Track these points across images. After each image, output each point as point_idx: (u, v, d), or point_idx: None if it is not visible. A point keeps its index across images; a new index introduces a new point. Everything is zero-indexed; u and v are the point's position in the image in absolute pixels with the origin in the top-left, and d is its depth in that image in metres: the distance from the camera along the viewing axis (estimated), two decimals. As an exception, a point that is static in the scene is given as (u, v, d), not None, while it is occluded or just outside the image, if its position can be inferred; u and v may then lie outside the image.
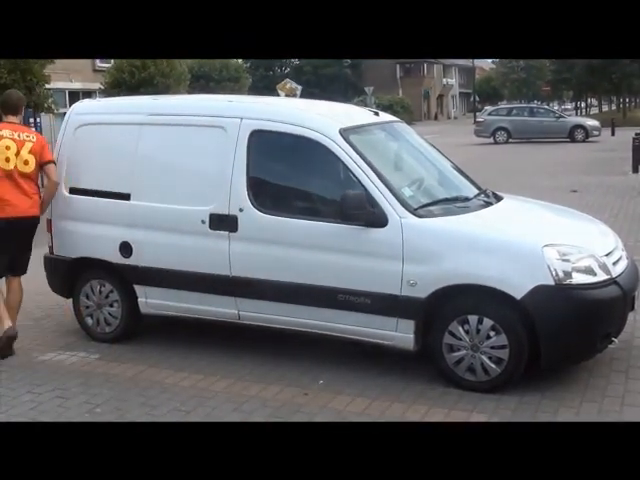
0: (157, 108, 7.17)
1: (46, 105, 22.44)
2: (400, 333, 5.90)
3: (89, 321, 7.28)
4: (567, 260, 5.63)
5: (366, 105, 34.61)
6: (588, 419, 5.26)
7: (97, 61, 32.72)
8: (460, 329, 5.75)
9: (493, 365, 5.70)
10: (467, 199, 6.56)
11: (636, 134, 22.05)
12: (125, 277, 6.99)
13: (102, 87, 29.53)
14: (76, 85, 31.86)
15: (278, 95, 30.21)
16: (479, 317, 5.68)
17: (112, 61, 30.07)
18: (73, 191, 7.19)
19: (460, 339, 5.76)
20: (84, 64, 31.59)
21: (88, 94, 29.45)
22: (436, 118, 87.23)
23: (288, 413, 5.53)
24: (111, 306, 7.14)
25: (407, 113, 56.63)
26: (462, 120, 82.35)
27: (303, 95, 32.16)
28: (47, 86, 22.79)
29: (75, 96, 27.87)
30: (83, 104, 7.65)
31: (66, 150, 7.27)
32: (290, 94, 31.38)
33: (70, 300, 7.50)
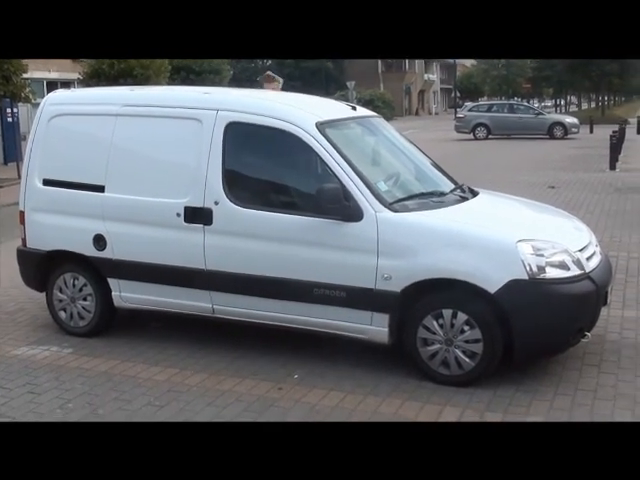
0: (132, 99, 7.09)
1: (23, 95, 22.32)
2: (375, 327, 5.90)
3: (62, 315, 7.21)
4: (541, 255, 5.65)
5: (347, 99, 34.57)
6: (561, 412, 5.31)
7: (76, 52, 32.47)
8: (434, 323, 5.75)
9: (467, 359, 5.71)
10: (443, 194, 6.56)
11: (613, 132, 22.22)
12: (99, 270, 6.93)
13: (80, 77, 29.28)
14: (54, 75, 31.63)
15: (259, 87, 30.13)
16: (453, 311, 5.69)
17: (91, 52, 29.84)
18: (47, 183, 7.12)
19: (434, 333, 5.77)
20: (63, 55, 31.35)
21: (66, 84, 29.22)
22: (417, 113, 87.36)
23: (262, 407, 5.51)
24: (85, 300, 7.07)
25: (388, 108, 56.56)
26: (443, 116, 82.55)
27: (284, 88, 32.06)
28: (25, 75, 22.63)
29: (53, 86, 27.60)
30: (57, 94, 7.56)
31: (40, 141, 7.19)
32: (271, 87, 31.27)
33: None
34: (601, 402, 5.47)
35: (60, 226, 7.03)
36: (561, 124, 36.57)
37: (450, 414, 5.33)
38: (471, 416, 5.30)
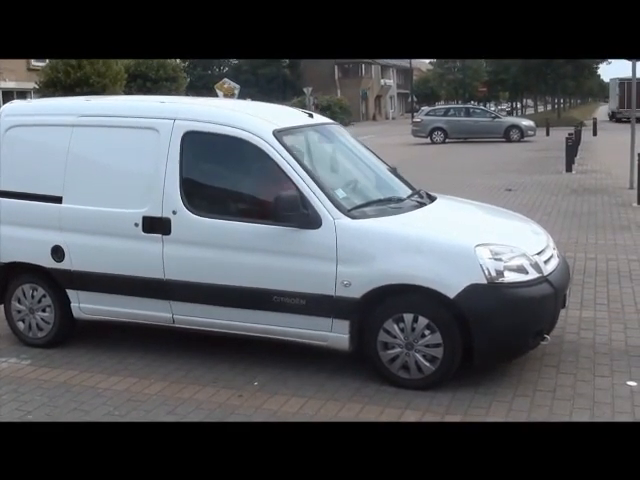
0: (89, 109, 7.04)
1: (-22, 105, 22.03)
2: (335, 333, 5.91)
3: (21, 326, 7.14)
4: (499, 259, 5.70)
5: (305, 106, 34.64)
6: (520, 413, 5.36)
7: (32, 60, 32.14)
8: (395, 327, 5.78)
9: (427, 363, 5.75)
10: (400, 200, 6.60)
11: (569, 134, 22.53)
12: (57, 281, 6.87)
13: (37, 86, 29.00)
14: (10, 84, 31.32)
15: (216, 95, 30.04)
16: (414, 316, 5.72)
17: (47, 60, 29.54)
18: (3, 194, 7.04)
19: (395, 337, 5.80)
20: (18, 62, 31.03)
21: (22, 94, 28.97)
22: (374, 119, 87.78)
23: (223, 415, 5.50)
24: (43, 311, 7.01)
25: (345, 114, 56.82)
26: (400, 120, 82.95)
27: (241, 95, 32.04)
28: (-21, 86, 22.39)
29: (9, 95, 27.42)
30: (13, 105, 7.50)
31: (-4, 152, 7.11)
32: (228, 94, 31.21)
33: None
34: (560, 402, 5.54)
35: (18, 238, 6.96)
36: (517, 127, 37.03)
37: (410, 417, 5.36)
38: (431, 419, 5.33)
